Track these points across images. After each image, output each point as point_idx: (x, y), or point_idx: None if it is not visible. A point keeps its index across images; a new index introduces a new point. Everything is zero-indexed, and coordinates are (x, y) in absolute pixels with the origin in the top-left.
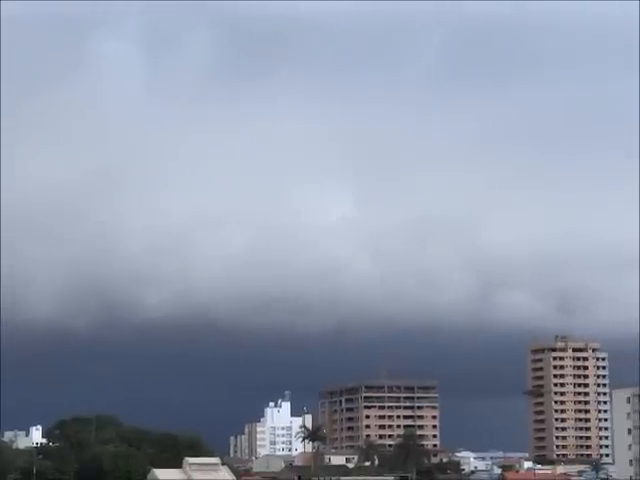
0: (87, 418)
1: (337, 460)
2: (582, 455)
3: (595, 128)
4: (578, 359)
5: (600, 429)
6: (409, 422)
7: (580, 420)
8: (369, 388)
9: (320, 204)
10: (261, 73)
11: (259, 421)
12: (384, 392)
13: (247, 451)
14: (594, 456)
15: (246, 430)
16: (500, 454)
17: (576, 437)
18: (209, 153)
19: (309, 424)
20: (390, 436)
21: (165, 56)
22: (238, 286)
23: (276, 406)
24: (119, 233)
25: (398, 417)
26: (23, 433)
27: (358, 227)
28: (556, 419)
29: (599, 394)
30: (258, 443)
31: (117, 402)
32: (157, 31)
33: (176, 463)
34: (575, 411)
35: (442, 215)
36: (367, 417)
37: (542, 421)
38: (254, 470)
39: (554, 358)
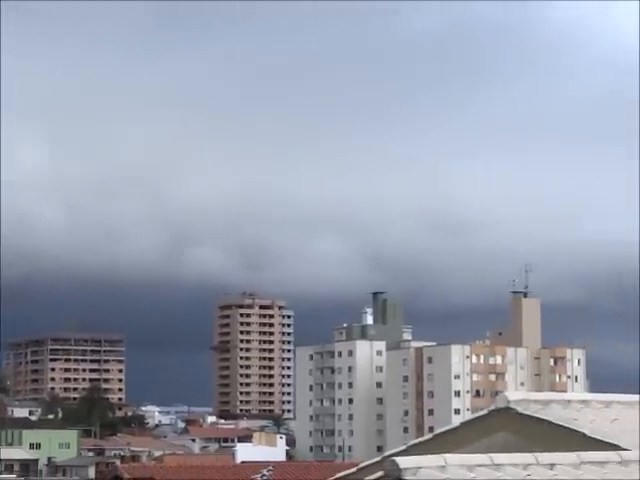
0: None
1: (20, 413)
2: (265, 410)
3: (311, 81)
4: (264, 316)
5: (283, 385)
6: (95, 375)
7: (264, 376)
8: (55, 340)
9: (12, 155)
10: None
11: None
12: (71, 345)
13: None
14: (276, 412)
15: None
16: (185, 408)
17: (260, 393)
18: None
19: None
20: (75, 389)
21: None
22: None
23: None
24: None
25: (84, 370)
26: None
27: (49, 178)
28: (241, 375)
29: (284, 351)
30: None
31: None
32: None
33: None
34: (260, 367)
35: (134, 168)
36: (52, 370)
37: (227, 377)
38: None
39: (241, 315)
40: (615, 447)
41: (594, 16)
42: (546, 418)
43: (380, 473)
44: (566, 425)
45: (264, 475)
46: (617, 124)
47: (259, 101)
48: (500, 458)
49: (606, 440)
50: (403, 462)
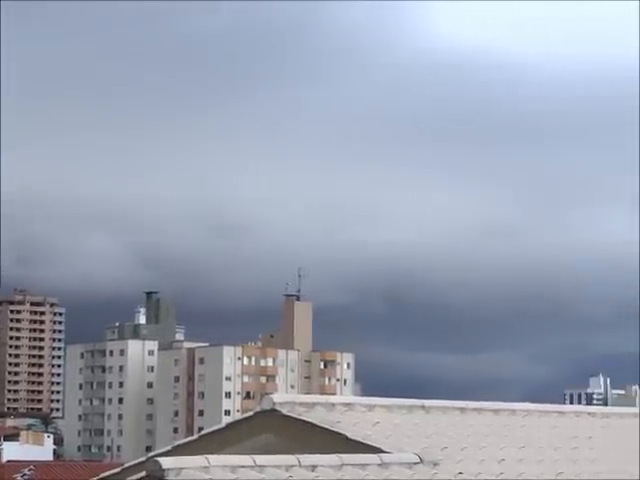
0: None
1: None
2: (33, 409)
3: (102, 74)
4: (35, 313)
5: (53, 384)
6: None
7: (33, 374)
8: None
9: None
10: None
11: None
12: None
13: None
14: (45, 410)
15: None
16: None
17: (28, 391)
18: None
19: None
20: None
21: None
22: None
23: None
24: None
25: None
26: None
27: None
28: (9, 372)
29: (54, 349)
30: None
31: None
32: None
33: None
34: (29, 365)
35: None
36: None
37: None
38: None
39: (11, 311)
40: (376, 450)
41: (393, 17)
42: (310, 420)
43: (143, 473)
44: (329, 428)
45: (25, 475)
46: (403, 128)
47: (45, 92)
48: (263, 459)
49: (367, 443)
50: (166, 462)
